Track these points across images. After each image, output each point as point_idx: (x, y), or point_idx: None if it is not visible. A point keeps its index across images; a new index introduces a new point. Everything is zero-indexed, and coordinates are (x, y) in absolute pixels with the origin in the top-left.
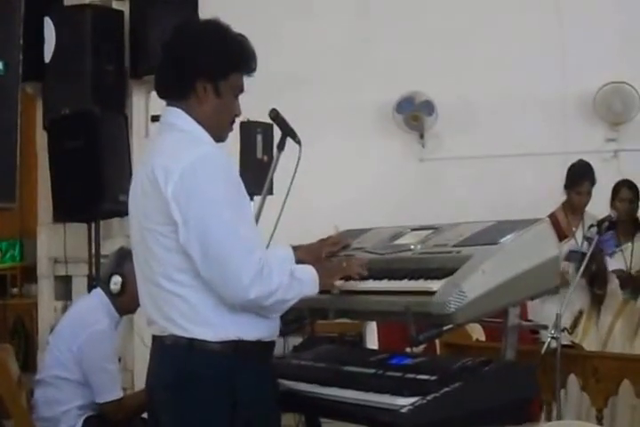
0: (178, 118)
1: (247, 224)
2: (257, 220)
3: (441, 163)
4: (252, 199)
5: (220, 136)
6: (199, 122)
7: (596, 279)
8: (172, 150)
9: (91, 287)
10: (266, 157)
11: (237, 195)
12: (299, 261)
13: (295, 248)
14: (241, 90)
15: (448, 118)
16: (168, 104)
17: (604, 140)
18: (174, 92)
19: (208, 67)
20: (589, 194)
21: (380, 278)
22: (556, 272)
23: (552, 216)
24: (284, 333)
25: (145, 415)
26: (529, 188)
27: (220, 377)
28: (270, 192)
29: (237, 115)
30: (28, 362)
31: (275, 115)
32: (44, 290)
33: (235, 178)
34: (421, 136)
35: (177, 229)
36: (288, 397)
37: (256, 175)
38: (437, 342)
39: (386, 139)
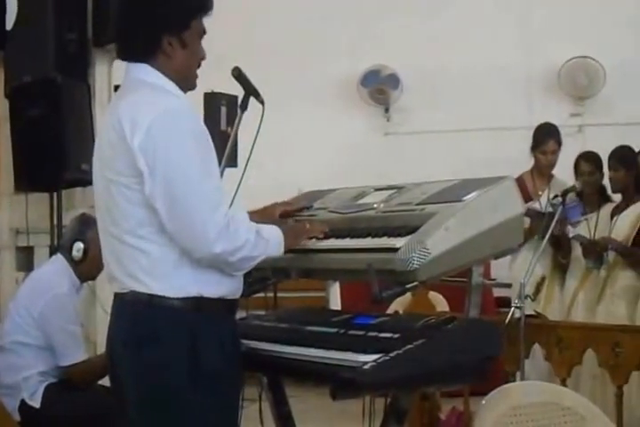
0: (145, 73)
1: (214, 178)
2: None
3: (406, 137)
4: (222, 172)
5: (190, 85)
6: (169, 76)
7: (559, 248)
8: (139, 103)
9: None
10: (230, 129)
11: (205, 148)
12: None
13: (250, 213)
14: (204, 32)
15: (413, 92)
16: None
17: (569, 115)
18: (140, 53)
19: (169, 21)
20: (555, 154)
21: (343, 237)
22: (520, 230)
23: (519, 179)
24: (247, 293)
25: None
26: (494, 162)
27: (179, 334)
28: (234, 165)
29: (203, 58)
30: None
31: (237, 73)
32: (6, 261)
33: (202, 132)
34: (386, 110)
35: (142, 181)
36: (250, 356)
37: (220, 147)
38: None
39: (351, 112)
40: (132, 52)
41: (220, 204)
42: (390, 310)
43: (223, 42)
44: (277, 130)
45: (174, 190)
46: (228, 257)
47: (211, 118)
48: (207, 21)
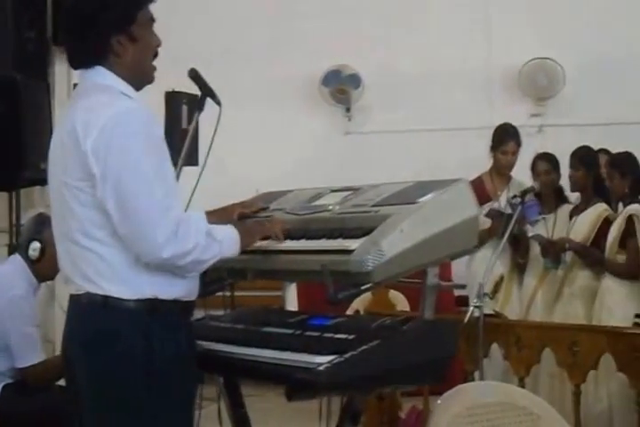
0: (99, 76)
1: (166, 182)
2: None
3: (367, 136)
4: (180, 171)
5: (147, 79)
6: (123, 76)
7: (518, 247)
8: (93, 105)
9: None
10: (195, 128)
11: (158, 152)
12: (211, 224)
13: (208, 213)
14: (152, 20)
15: (374, 92)
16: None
17: (529, 116)
18: (90, 59)
19: (114, 21)
20: (515, 155)
21: (299, 238)
22: (475, 232)
23: (478, 179)
24: (203, 294)
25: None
26: (454, 162)
27: (135, 335)
28: (195, 163)
29: (158, 45)
30: None
31: (194, 74)
32: None
33: (156, 134)
34: (348, 109)
35: (95, 184)
36: (206, 357)
37: (181, 145)
38: (361, 312)
39: (312, 112)
40: (82, 59)
41: (170, 208)
42: (351, 309)
43: (185, 41)
44: (238, 129)
45: (125, 194)
46: (177, 261)
47: (172, 117)
48: (170, 21)
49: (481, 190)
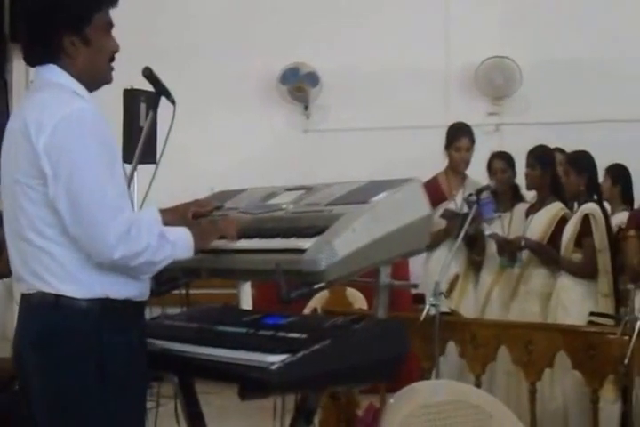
0: (53, 74)
1: (117, 183)
2: (128, 186)
3: (325, 134)
4: (136, 168)
5: (102, 81)
6: (75, 76)
7: (474, 245)
8: (45, 104)
9: None
10: (151, 126)
11: (109, 153)
12: (165, 224)
13: (162, 211)
14: (110, 25)
15: (332, 90)
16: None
17: (486, 114)
18: (43, 57)
19: (68, 20)
20: (469, 151)
21: (252, 237)
22: (427, 232)
23: (433, 179)
24: (157, 293)
25: None
26: (412, 160)
27: (86, 335)
28: (153, 161)
29: (115, 51)
30: None
31: (148, 73)
32: None
33: (108, 136)
34: (306, 107)
35: (46, 183)
36: (161, 356)
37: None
38: (319, 310)
39: (270, 110)
40: (36, 57)
41: (121, 209)
42: (309, 308)
43: (144, 39)
44: (196, 128)
45: (76, 195)
46: (129, 262)
47: (130, 114)
48: (129, 19)
49: (436, 190)
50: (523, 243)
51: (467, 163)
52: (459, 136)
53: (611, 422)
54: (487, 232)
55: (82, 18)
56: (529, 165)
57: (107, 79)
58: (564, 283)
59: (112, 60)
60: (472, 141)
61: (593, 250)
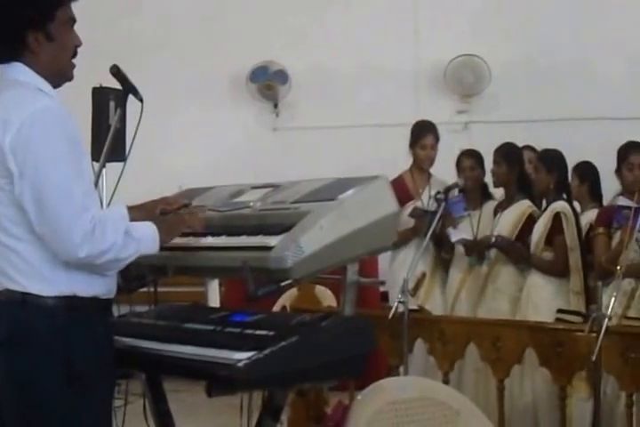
0: (18, 73)
1: (83, 181)
2: (96, 184)
3: (294, 132)
4: (104, 166)
5: (65, 77)
6: (40, 73)
7: (442, 244)
8: (11, 103)
9: None
10: (119, 124)
11: (76, 151)
12: (133, 221)
13: (130, 208)
14: (73, 20)
15: (302, 88)
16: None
17: (455, 112)
18: (7, 54)
19: (30, 16)
20: (433, 148)
21: (219, 235)
22: (394, 229)
23: (399, 178)
24: (125, 290)
25: None
26: (381, 158)
27: (53, 332)
28: (122, 159)
29: (78, 45)
30: None
31: (116, 71)
32: None
33: (74, 134)
34: (275, 105)
35: (13, 182)
36: (128, 354)
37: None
38: (287, 308)
39: (239, 108)
40: (0, 55)
41: (87, 208)
42: (278, 306)
43: (113, 37)
44: (165, 126)
45: (42, 193)
46: (94, 260)
47: (99, 113)
48: (99, 17)
49: (402, 189)
50: (494, 240)
51: (432, 160)
52: (423, 134)
53: (583, 419)
54: (454, 239)
55: (45, 15)
56: (495, 161)
57: (68, 76)
58: (535, 281)
59: (74, 55)
60: (437, 139)
61: (564, 248)
